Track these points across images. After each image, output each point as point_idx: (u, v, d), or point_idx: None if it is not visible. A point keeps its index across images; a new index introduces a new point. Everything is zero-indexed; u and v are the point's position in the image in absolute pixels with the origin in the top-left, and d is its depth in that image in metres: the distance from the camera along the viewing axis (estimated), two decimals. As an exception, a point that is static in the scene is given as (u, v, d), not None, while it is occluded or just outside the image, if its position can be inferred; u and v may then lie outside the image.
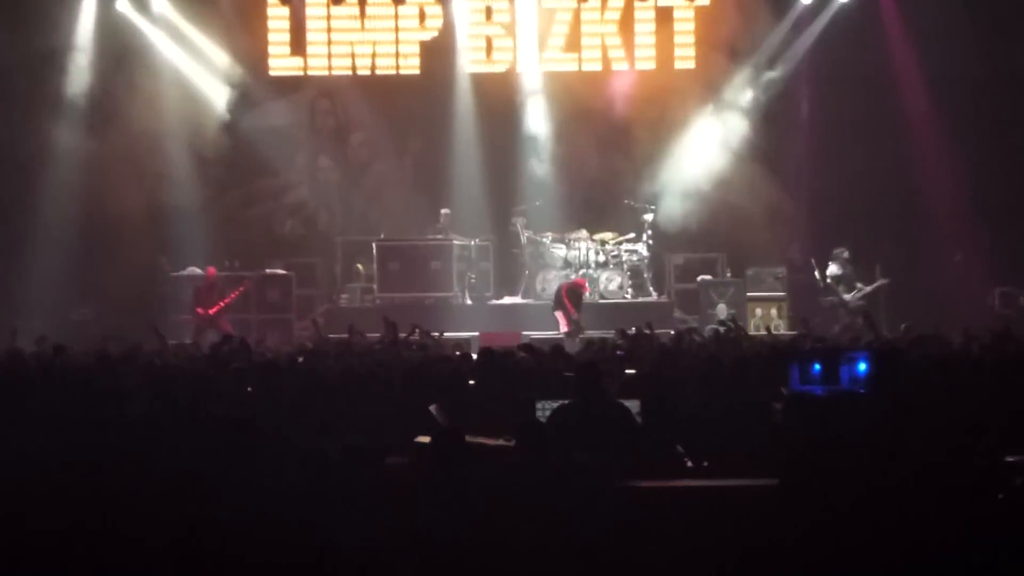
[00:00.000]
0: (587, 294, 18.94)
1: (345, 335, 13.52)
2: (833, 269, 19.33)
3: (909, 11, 20.11)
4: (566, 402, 7.33)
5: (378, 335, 14.01)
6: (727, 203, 20.24)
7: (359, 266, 20.49)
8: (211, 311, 18.31)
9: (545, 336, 16.99)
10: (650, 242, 20.14)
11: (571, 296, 18.28)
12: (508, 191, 20.79)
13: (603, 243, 20.12)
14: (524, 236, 20.19)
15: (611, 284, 19.92)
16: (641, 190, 20.50)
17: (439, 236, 19.96)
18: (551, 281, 19.49)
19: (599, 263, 20.00)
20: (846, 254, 19.35)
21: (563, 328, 17.76)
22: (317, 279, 20.72)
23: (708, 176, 20.45)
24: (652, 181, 20.54)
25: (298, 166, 21.79)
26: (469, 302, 19.95)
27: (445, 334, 15.24)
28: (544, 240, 20.14)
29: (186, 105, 20.49)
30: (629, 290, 19.99)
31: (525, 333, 17.30)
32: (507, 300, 20.19)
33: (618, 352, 11.53)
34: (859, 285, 19.37)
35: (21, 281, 19.13)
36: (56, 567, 5.13)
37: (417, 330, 13.62)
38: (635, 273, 20.18)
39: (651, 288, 20.15)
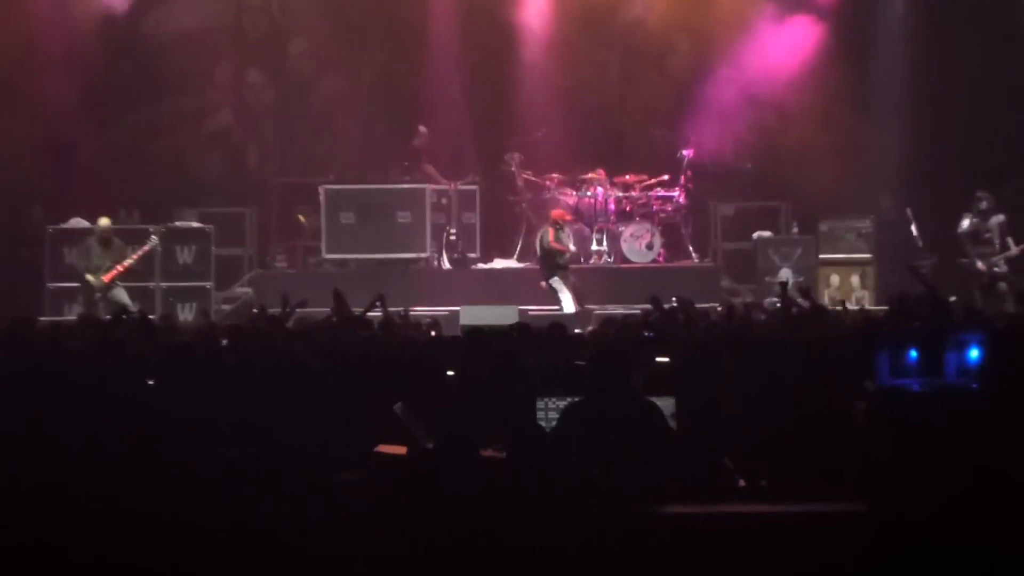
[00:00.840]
0: (567, 226, 18.70)
1: (279, 310, 13.52)
2: (967, 223, 18.77)
3: None
4: (576, 400, 7.32)
5: (326, 310, 14.00)
6: (793, 135, 20.20)
7: (301, 217, 20.47)
8: (105, 278, 18.17)
9: (549, 312, 17.01)
10: (689, 186, 20.12)
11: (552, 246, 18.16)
12: (500, 118, 20.74)
13: (627, 188, 20.10)
14: (521, 179, 20.16)
15: (637, 242, 19.91)
16: (678, 118, 20.45)
17: (409, 171, 19.88)
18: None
19: (621, 214, 19.98)
20: (984, 204, 18.65)
21: (570, 304, 17.71)
22: (245, 234, 20.69)
23: (768, 99, 20.40)
24: (693, 106, 20.49)
25: (220, 83, 21.71)
26: (448, 266, 19.95)
27: (416, 309, 15.22)
28: (548, 184, 20.10)
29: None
30: (661, 251, 19.98)
31: (522, 308, 17.30)
32: (498, 263, 20.18)
33: (646, 333, 11.54)
34: (1008, 243, 18.80)
35: None
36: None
37: (378, 303, 13.64)
38: (669, 228, 20.17)
39: (690, 248, 20.15)
